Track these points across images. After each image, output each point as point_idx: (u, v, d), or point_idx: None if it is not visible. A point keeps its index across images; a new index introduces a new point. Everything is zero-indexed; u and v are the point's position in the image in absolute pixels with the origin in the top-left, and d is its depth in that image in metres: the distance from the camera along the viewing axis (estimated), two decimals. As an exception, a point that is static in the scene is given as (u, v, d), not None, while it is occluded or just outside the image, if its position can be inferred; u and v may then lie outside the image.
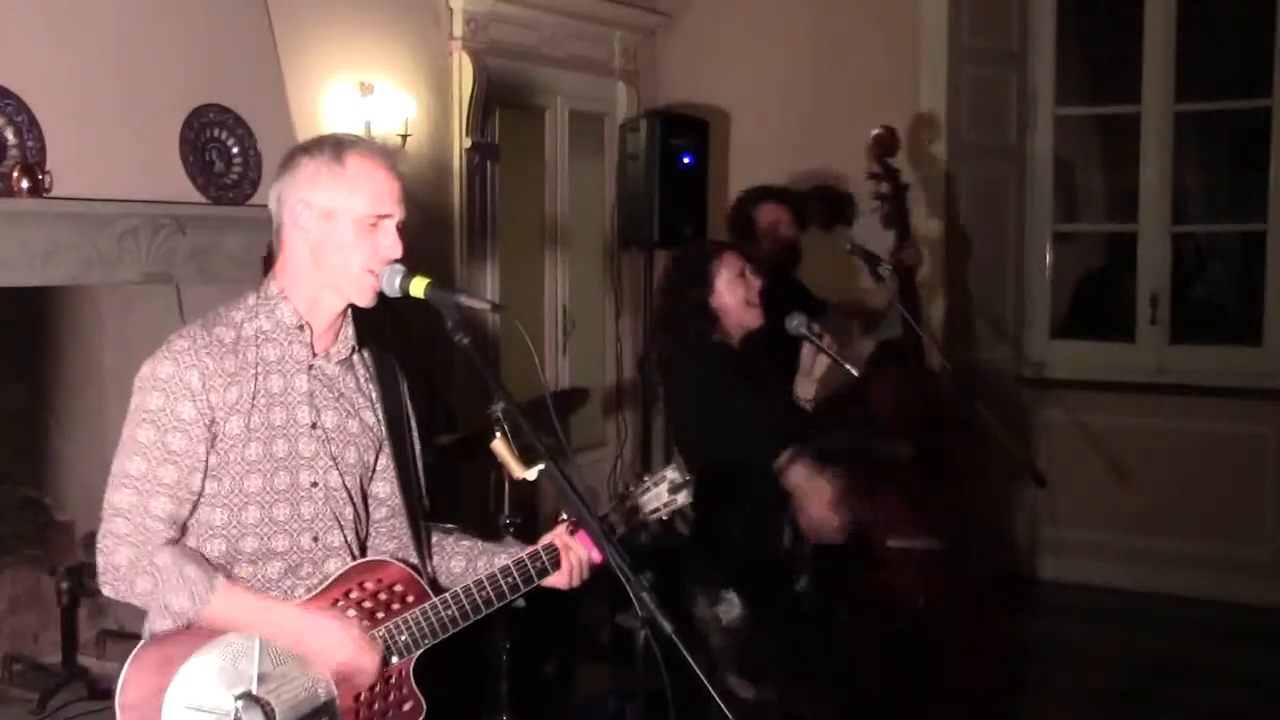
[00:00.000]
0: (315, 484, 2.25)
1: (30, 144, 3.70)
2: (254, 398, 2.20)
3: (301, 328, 2.26)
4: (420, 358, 4.72)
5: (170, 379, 2.15)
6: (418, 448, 2.45)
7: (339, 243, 2.22)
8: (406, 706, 2.26)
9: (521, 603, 2.44)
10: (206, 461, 2.17)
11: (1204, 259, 6.78)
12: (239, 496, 2.20)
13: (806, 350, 3.48)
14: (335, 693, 2.18)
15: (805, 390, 3.53)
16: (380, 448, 2.36)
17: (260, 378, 2.22)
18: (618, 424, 6.50)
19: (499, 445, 2.22)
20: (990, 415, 4.06)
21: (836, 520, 3.28)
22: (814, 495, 3.26)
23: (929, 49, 6.11)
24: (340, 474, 2.28)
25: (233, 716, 2.11)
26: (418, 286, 2.22)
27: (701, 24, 6.64)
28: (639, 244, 5.96)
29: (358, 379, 2.35)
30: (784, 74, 6.43)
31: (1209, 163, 6.94)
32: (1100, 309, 6.76)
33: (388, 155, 2.34)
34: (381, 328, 3.43)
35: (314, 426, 2.25)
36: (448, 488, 5.40)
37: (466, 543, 2.43)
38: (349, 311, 2.31)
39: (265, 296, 2.27)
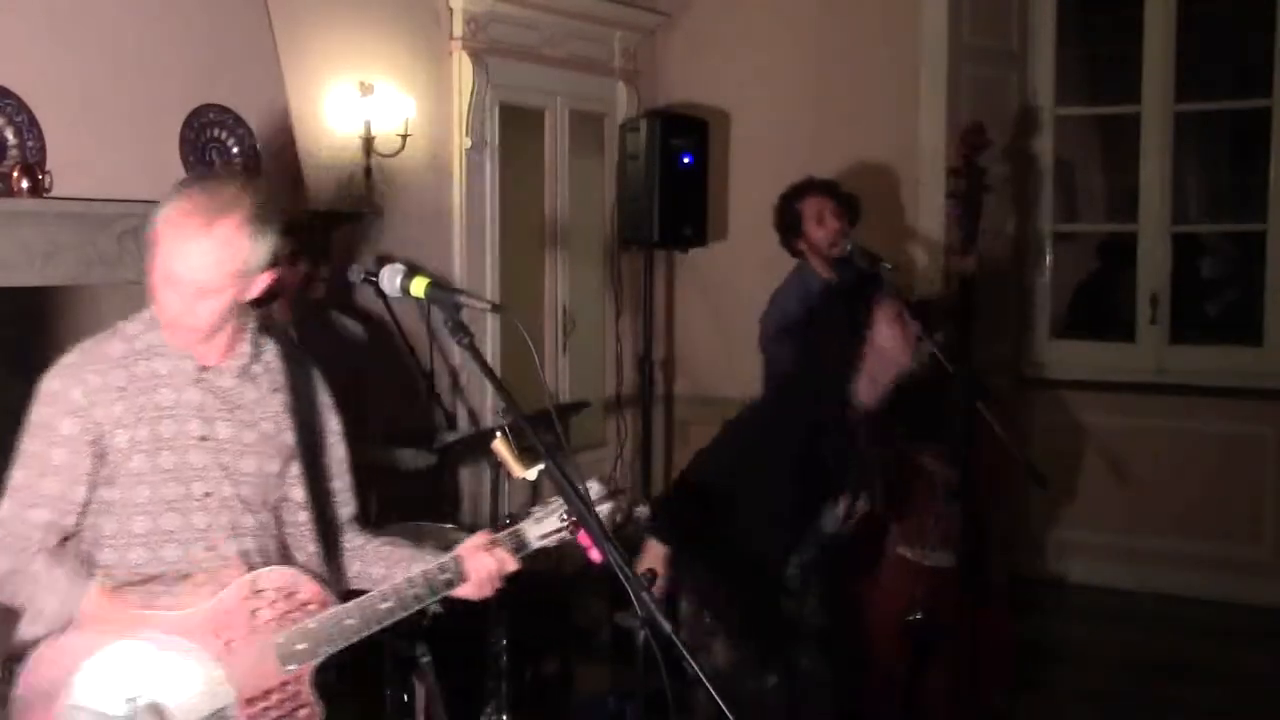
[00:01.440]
0: (208, 494, 2.27)
1: (30, 144, 3.70)
2: (140, 411, 2.23)
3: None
4: (417, 358, 4.73)
5: (56, 394, 2.22)
6: (339, 453, 2.46)
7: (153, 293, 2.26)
8: (302, 713, 2.27)
9: (436, 608, 2.43)
10: (95, 475, 2.22)
11: (1204, 259, 6.79)
12: (127, 507, 2.23)
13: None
14: (232, 698, 2.20)
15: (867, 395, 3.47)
16: (288, 455, 2.36)
17: (148, 391, 2.25)
18: (618, 424, 6.50)
19: (499, 445, 2.22)
20: (990, 415, 4.04)
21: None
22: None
23: (929, 49, 6.11)
24: (235, 484, 2.29)
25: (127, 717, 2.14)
26: (417, 287, 2.21)
27: (701, 24, 6.64)
28: (639, 244, 5.96)
29: (260, 390, 2.35)
30: (784, 74, 6.43)
31: (1209, 163, 6.94)
32: (1100, 309, 6.77)
33: (197, 208, 2.21)
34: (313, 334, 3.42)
35: (204, 439, 2.27)
36: (448, 488, 5.41)
37: (387, 549, 2.44)
38: (244, 323, 2.33)
39: (153, 314, 2.30)
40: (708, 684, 1.96)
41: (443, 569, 2.31)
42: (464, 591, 2.34)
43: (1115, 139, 6.77)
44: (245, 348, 2.33)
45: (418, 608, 2.31)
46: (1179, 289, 6.30)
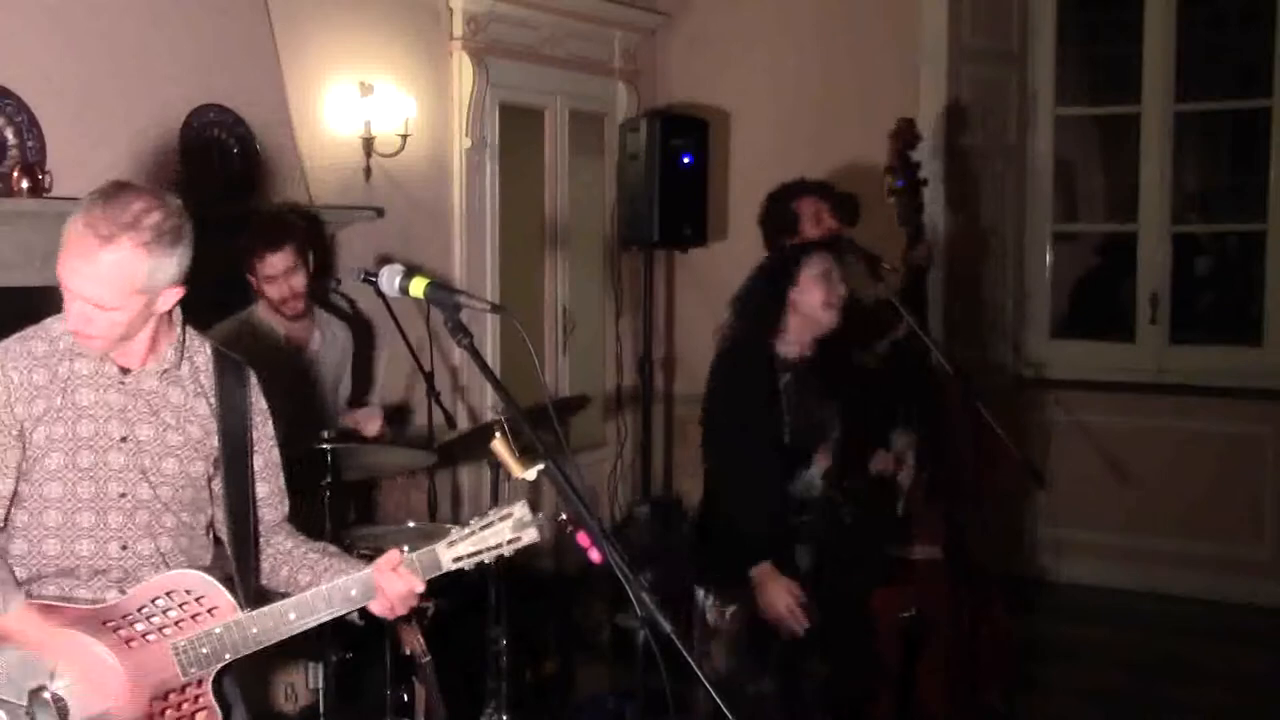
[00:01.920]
0: (124, 495, 2.29)
1: (30, 144, 3.70)
2: (60, 410, 2.24)
3: None
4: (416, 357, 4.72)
5: None
6: (271, 458, 2.47)
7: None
8: (200, 716, 2.29)
9: (357, 618, 2.43)
10: (18, 468, 2.24)
11: (1198, 258, 6.79)
12: (38, 501, 2.26)
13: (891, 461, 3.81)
14: (125, 695, 2.22)
15: (879, 465, 3.77)
16: (213, 458, 2.37)
17: (70, 391, 2.26)
18: (618, 425, 6.50)
19: (499, 445, 2.22)
20: (990, 415, 4.05)
21: (794, 623, 3.33)
22: (773, 596, 3.31)
23: (929, 49, 6.11)
24: (152, 485, 2.30)
25: (25, 710, 2.18)
26: (417, 287, 2.21)
27: (701, 24, 6.64)
28: (639, 244, 5.95)
29: (185, 393, 2.35)
30: (784, 74, 6.43)
31: (1209, 163, 6.94)
32: (1100, 309, 6.76)
33: (95, 221, 2.16)
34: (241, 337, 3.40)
35: (124, 440, 2.28)
36: (448, 488, 5.41)
37: (315, 556, 2.44)
38: (172, 327, 2.33)
39: None
40: (707, 684, 1.96)
41: (352, 585, 2.31)
42: (373, 609, 2.34)
43: (1115, 139, 6.77)
44: (168, 352, 2.33)
45: (319, 621, 2.31)
46: (1179, 289, 6.30)
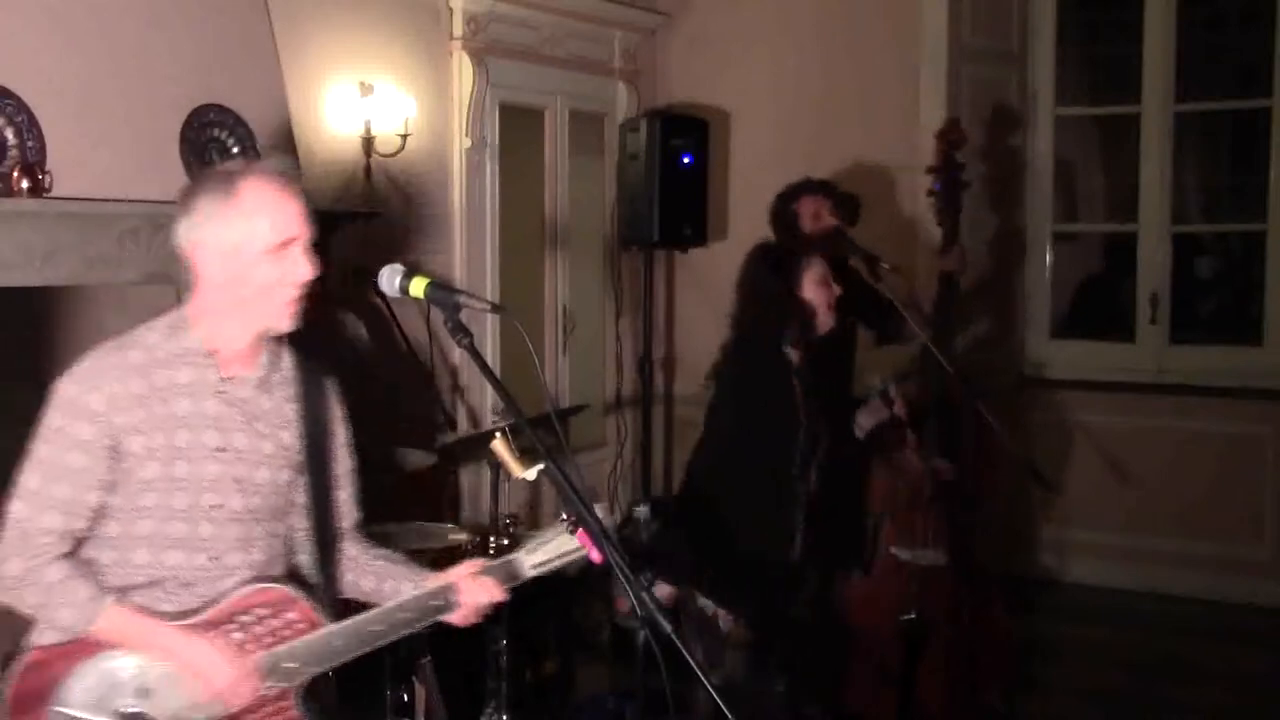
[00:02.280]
0: (218, 506, 2.27)
1: (30, 144, 3.70)
2: (158, 420, 2.22)
3: (208, 354, 2.27)
4: (417, 360, 4.73)
5: (73, 400, 2.19)
6: (348, 464, 2.47)
7: (246, 277, 2.22)
8: None
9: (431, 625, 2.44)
10: (108, 480, 2.21)
11: (1199, 258, 6.79)
12: (132, 512, 2.22)
13: (877, 405, 3.86)
14: (218, 711, 2.21)
15: (865, 422, 3.79)
16: (298, 465, 2.37)
17: (168, 400, 2.23)
18: (618, 424, 6.50)
19: (499, 445, 2.22)
20: (990, 415, 4.05)
21: None
22: None
23: (929, 49, 6.11)
24: (245, 495, 2.29)
25: None
26: (417, 287, 2.21)
27: (701, 24, 6.65)
28: (639, 244, 5.96)
29: (276, 400, 2.35)
30: (784, 74, 6.43)
31: (1209, 163, 6.94)
32: (1100, 309, 6.76)
33: (282, 176, 2.29)
34: (334, 342, 3.42)
35: (221, 449, 2.27)
36: (448, 488, 5.41)
37: (381, 563, 2.45)
38: (270, 334, 2.33)
39: (179, 319, 2.29)
40: (707, 684, 1.96)
41: (434, 595, 2.32)
42: (452, 619, 2.36)
43: (1115, 139, 6.77)
44: (264, 357, 2.33)
45: (404, 633, 2.32)
46: (1179, 289, 6.30)
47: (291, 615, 2.27)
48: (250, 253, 2.20)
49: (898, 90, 6.10)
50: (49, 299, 4.26)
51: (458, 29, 5.51)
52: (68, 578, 2.16)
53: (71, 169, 3.74)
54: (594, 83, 6.33)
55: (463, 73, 5.51)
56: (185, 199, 2.25)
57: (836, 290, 3.58)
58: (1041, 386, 6.34)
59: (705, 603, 3.44)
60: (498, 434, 2.20)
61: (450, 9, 5.50)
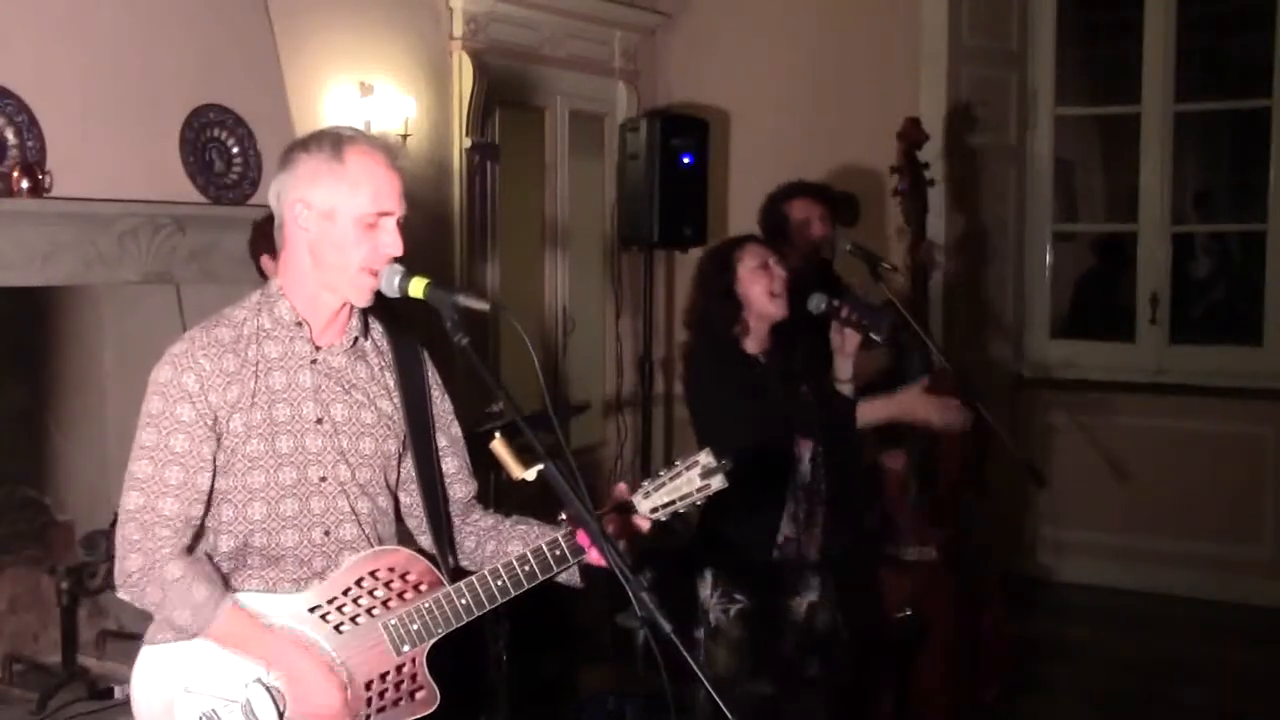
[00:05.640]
0: (324, 479, 2.24)
1: (30, 144, 3.70)
2: (255, 395, 2.20)
3: (300, 324, 2.25)
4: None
5: (168, 383, 2.17)
6: (454, 432, 2.43)
7: (338, 242, 2.20)
8: (419, 695, 2.25)
9: (578, 580, 2.35)
10: (214, 461, 2.19)
11: (1196, 259, 6.80)
12: (243, 493, 2.20)
13: (835, 328, 3.49)
14: (346, 680, 2.20)
15: (843, 370, 3.51)
16: (402, 435, 2.34)
17: (262, 375, 2.21)
18: (618, 424, 6.51)
19: (498, 445, 2.21)
20: (990, 415, 4.05)
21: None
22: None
23: (929, 49, 6.11)
24: (351, 467, 2.26)
25: (244, 703, 2.15)
26: (417, 287, 2.20)
27: (701, 24, 6.65)
28: (639, 244, 5.95)
29: (371, 368, 2.32)
30: (784, 74, 6.43)
31: (1209, 163, 6.95)
32: (1100, 309, 6.77)
33: (388, 150, 2.30)
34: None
35: (320, 421, 2.24)
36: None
37: (523, 527, 2.39)
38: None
39: (266, 294, 2.28)
40: (707, 684, 1.96)
41: (553, 545, 2.26)
42: (590, 559, 2.26)
43: (1115, 139, 6.78)
44: (354, 323, 2.30)
45: (529, 586, 2.25)
46: (1179, 289, 6.31)
47: (413, 577, 2.24)
48: (346, 218, 2.19)
49: (897, 90, 6.09)
50: (49, 299, 4.27)
51: (458, 29, 5.51)
52: (187, 576, 2.14)
53: (71, 169, 3.74)
54: (594, 83, 6.33)
55: (463, 73, 5.51)
56: (289, 155, 2.24)
57: (779, 272, 3.47)
58: (1041, 386, 6.35)
59: (703, 596, 3.43)
60: (497, 434, 2.19)
61: (450, 9, 5.50)
